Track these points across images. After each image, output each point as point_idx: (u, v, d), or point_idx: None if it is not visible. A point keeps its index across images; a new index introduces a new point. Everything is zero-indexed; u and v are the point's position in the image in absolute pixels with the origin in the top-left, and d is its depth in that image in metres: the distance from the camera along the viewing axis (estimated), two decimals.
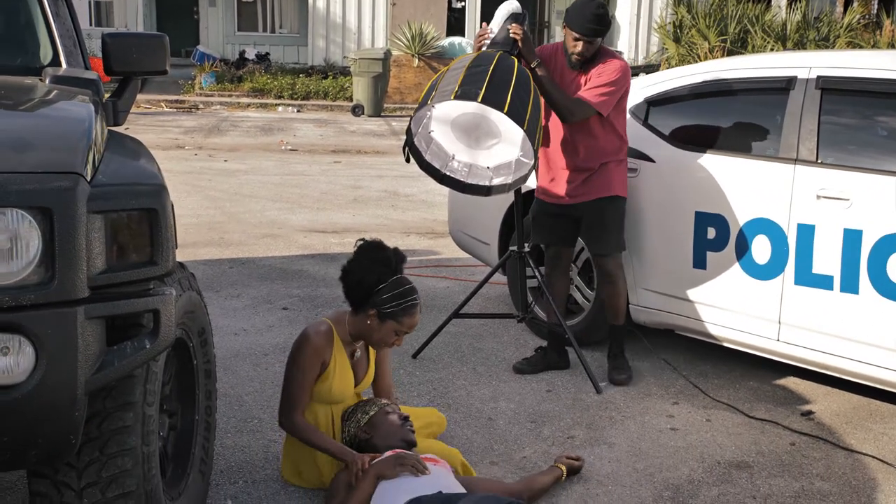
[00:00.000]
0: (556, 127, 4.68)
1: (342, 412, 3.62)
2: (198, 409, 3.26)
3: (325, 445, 3.42)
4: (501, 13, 4.58)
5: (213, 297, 5.90)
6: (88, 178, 2.43)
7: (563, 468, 3.67)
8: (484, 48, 4.50)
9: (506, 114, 4.11)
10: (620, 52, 19.79)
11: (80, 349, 2.33)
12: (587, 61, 4.56)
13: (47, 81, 3.12)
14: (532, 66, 4.44)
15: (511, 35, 4.42)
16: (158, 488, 2.74)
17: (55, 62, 3.42)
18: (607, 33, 4.60)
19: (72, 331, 2.32)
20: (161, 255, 2.55)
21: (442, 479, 3.21)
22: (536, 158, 4.30)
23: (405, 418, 3.54)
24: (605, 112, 4.53)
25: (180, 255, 3.21)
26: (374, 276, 3.52)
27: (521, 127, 4.15)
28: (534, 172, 4.62)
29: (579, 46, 4.51)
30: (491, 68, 4.20)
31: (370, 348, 3.73)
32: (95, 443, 2.57)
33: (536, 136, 4.25)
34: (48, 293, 2.29)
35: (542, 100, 4.44)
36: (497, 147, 4.47)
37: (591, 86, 4.52)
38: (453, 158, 4.56)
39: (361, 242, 3.64)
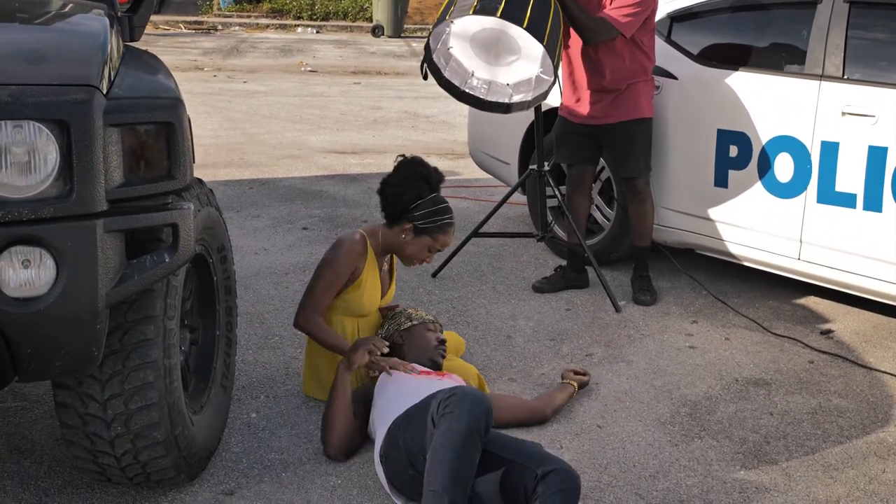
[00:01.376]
0: (581, 47, 4.58)
1: (377, 325, 3.67)
2: (218, 325, 3.29)
3: (335, 342, 3.46)
4: None
5: (233, 217, 5.93)
6: (104, 91, 2.42)
7: (575, 384, 3.70)
8: None
9: (525, 29, 4.04)
10: None
11: (99, 262, 2.35)
12: None
13: None
14: None
15: None
16: (180, 401, 2.79)
17: None
18: None
19: (91, 243, 2.33)
20: (178, 168, 2.55)
21: (434, 389, 3.20)
22: (556, 75, 4.24)
23: (441, 342, 3.58)
24: (629, 34, 4.43)
25: (201, 176, 3.22)
26: (414, 190, 3.56)
27: (541, 42, 4.08)
28: (557, 90, 4.56)
29: None
30: None
31: (393, 265, 3.76)
32: (118, 355, 2.60)
33: (556, 53, 4.18)
34: (67, 206, 2.30)
35: (562, 16, 4.36)
36: (517, 63, 4.41)
37: (616, 5, 4.41)
38: (472, 75, 4.50)
39: (402, 158, 3.67)
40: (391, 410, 3.07)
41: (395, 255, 3.74)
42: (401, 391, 3.17)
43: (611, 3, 4.44)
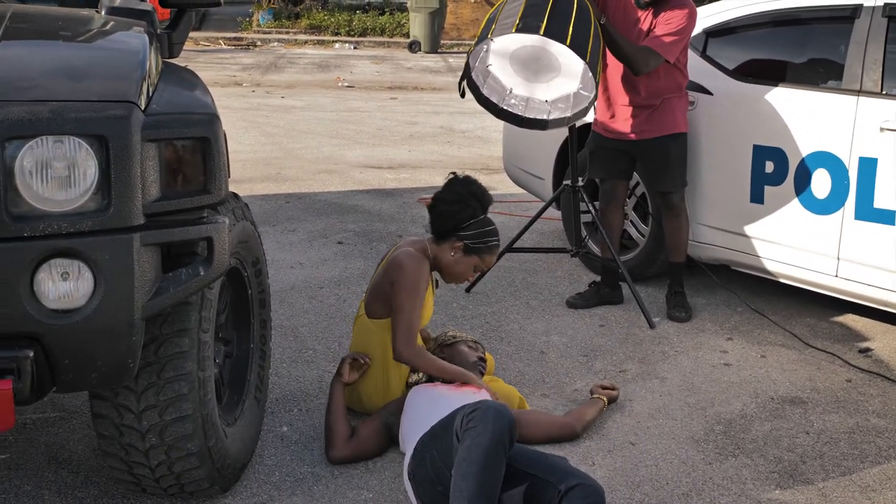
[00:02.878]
0: (615, 64, 4.59)
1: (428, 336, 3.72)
2: (253, 338, 3.32)
3: (445, 369, 3.41)
4: None
5: (269, 231, 5.97)
6: (143, 107, 2.46)
7: (605, 399, 3.69)
8: None
9: (569, 46, 4.05)
10: None
11: (136, 275, 2.38)
12: (656, 1, 4.46)
13: (103, 13, 3.15)
14: (601, 22, 4.34)
15: None
16: (214, 413, 2.82)
17: None
18: None
19: (128, 257, 2.37)
20: (214, 183, 2.58)
21: (469, 400, 3.21)
22: (597, 91, 4.23)
23: (482, 359, 3.60)
24: (673, 59, 4.45)
25: (238, 190, 3.26)
26: (469, 209, 3.57)
27: (584, 59, 4.09)
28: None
29: None
30: (551, 1, 4.14)
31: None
32: (153, 367, 2.64)
33: (598, 69, 4.19)
34: (105, 220, 2.34)
35: (601, 33, 4.34)
36: (555, 80, 4.41)
37: (658, 33, 4.41)
38: (510, 92, 4.51)
39: (454, 175, 3.68)
40: (420, 426, 3.09)
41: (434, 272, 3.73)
42: (430, 405, 3.19)
43: (650, 26, 4.44)
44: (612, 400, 3.75)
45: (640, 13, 4.49)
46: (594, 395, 3.72)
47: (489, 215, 3.66)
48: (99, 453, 3.13)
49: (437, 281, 3.73)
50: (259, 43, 18.48)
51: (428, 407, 3.18)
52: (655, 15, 4.45)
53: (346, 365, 3.49)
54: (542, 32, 4.05)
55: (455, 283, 3.73)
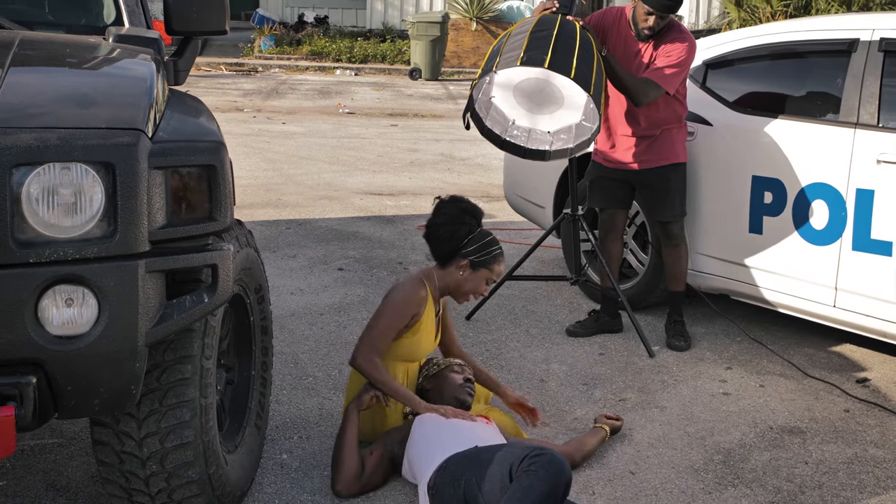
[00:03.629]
0: (615, 95, 4.62)
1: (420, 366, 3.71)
2: (254, 365, 3.33)
3: (398, 388, 3.45)
4: None
5: (270, 257, 5.99)
6: (150, 135, 2.49)
7: (607, 428, 3.69)
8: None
9: (573, 78, 4.08)
10: (681, 17, 19.44)
11: (140, 302, 2.40)
12: (656, 33, 4.50)
13: (110, 40, 3.18)
14: (602, 54, 4.39)
15: None
16: (215, 440, 2.82)
17: (118, 21, 3.48)
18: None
19: (133, 284, 2.38)
20: (219, 210, 2.60)
21: (482, 433, 3.24)
22: (600, 123, 4.27)
23: (468, 380, 3.60)
24: (673, 91, 4.49)
25: (239, 216, 3.28)
26: (465, 227, 3.61)
27: (588, 91, 4.12)
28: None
29: (651, 21, 4.42)
30: (555, 33, 4.18)
31: (445, 311, 3.78)
32: (155, 394, 2.65)
33: (601, 101, 4.22)
34: (110, 246, 2.35)
35: (603, 66, 4.38)
36: (558, 112, 4.44)
37: (659, 65, 4.46)
38: (513, 124, 4.54)
39: (440, 199, 3.70)
40: (438, 448, 3.12)
41: (442, 300, 3.75)
42: (443, 431, 3.21)
43: (652, 62, 4.48)
44: (615, 430, 3.75)
45: (641, 45, 4.54)
46: (597, 425, 3.72)
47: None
48: (98, 480, 3.14)
49: (443, 311, 3.74)
50: (260, 69, 18.57)
51: (440, 435, 3.21)
52: (656, 47, 4.50)
53: (369, 394, 3.43)
54: (546, 65, 4.09)
55: (468, 300, 3.73)
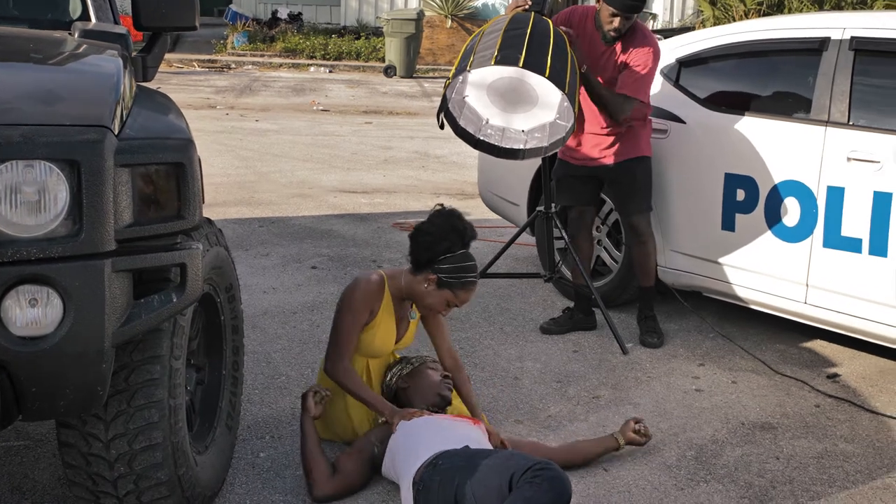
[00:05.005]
0: (580, 94, 4.62)
1: (386, 364, 3.68)
2: (225, 365, 3.30)
3: (366, 396, 3.43)
4: None
5: (242, 255, 5.95)
6: (116, 132, 2.45)
7: (622, 442, 3.57)
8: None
9: (547, 77, 4.07)
10: (655, 15, 19.54)
11: (107, 301, 2.36)
12: (623, 35, 4.51)
13: (76, 35, 3.14)
14: (582, 70, 4.38)
15: None
16: (185, 441, 2.79)
17: (84, 16, 3.43)
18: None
19: (99, 283, 2.35)
20: (188, 209, 2.57)
21: (471, 434, 3.24)
22: (574, 122, 4.26)
23: (445, 376, 3.59)
24: (647, 98, 4.55)
25: (211, 214, 3.24)
26: (446, 242, 3.51)
27: (562, 90, 4.11)
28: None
29: (616, 22, 4.42)
30: (529, 31, 4.16)
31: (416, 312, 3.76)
32: (123, 395, 2.61)
33: (576, 99, 4.22)
34: (76, 245, 2.32)
35: (577, 65, 4.37)
36: (532, 111, 4.43)
37: (629, 78, 4.47)
38: (487, 123, 4.53)
39: (440, 208, 3.63)
40: (423, 444, 3.11)
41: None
42: (430, 426, 3.21)
43: (616, 59, 4.49)
44: (633, 443, 3.58)
45: (607, 47, 4.54)
46: (618, 434, 3.58)
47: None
48: (65, 483, 3.09)
49: (410, 311, 3.72)
50: (233, 65, 18.46)
51: (426, 430, 3.20)
52: (623, 50, 4.50)
53: (309, 399, 3.45)
54: (521, 64, 4.07)
55: (427, 314, 3.69)
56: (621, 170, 4.68)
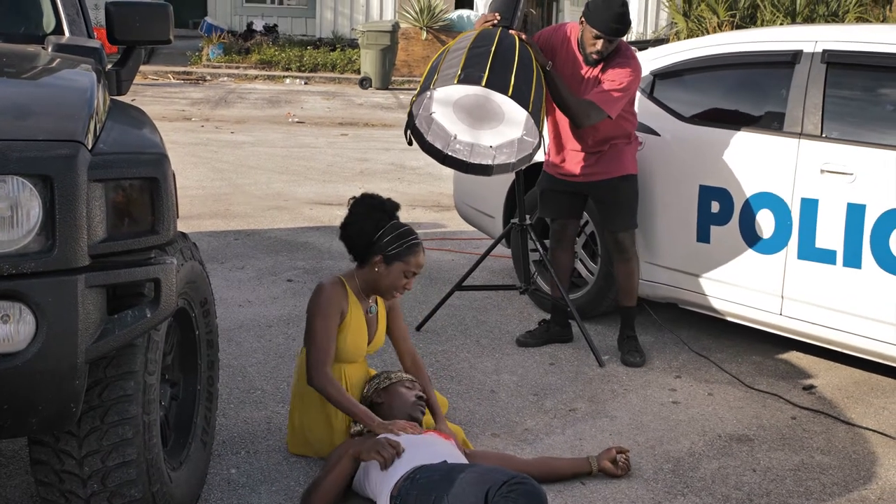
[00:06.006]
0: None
1: (365, 377, 3.67)
2: (200, 380, 3.28)
3: (350, 406, 3.41)
4: None
5: (217, 268, 5.92)
6: (89, 147, 2.43)
7: (594, 468, 3.52)
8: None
9: (510, 97, 4.06)
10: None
11: (80, 317, 2.34)
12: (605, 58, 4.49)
13: (50, 49, 3.12)
14: (546, 69, 4.37)
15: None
16: (159, 457, 2.77)
17: (58, 30, 3.42)
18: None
19: (72, 299, 2.33)
20: (162, 223, 2.56)
21: (447, 449, 3.23)
22: (541, 137, 4.25)
23: (420, 398, 3.58)
24: (616, 115, 4.44)
25: (186, 227, 3.22)
26: (372, 222, 3.58)
27: (527, 109, 4.11)
28: (542, 146, 4.60)
29: (598, 45, 4.39)
30: (493, 49, 4.14)
31: (381, 311, 3.75)
32: (96, 411, 2.59)
33: (541, 116, 4.22)
34: (48, 261, 2.30)
35: (543, 81, 4.36)
36: (499, 127, 4.43)
37: (603, 89, 4.41)
38: (455, 139, 4.53)
39: (353, 198, 3.70)
40: (401, 461, 3.10)
41: (380, 299, 3.73)
42: (407, 445, 3.19)
43: (596, 79, 4.46)
44: (606, 472, 3.52)
45: (588, 68, 4.52)
46: (594, 458, 3.54)
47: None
48: (37, 500, 3.05)
49: (372, 306, 3.71)
50: (209, 77, 18.40)
51: (405, 447, 3.18)
52: (603, 70, 4.47)
53: (374, 454, 3.20)
54: (484, 84, 4.05)
55: (395, 297, 3.69)
56: (606, 187, 4.67)
